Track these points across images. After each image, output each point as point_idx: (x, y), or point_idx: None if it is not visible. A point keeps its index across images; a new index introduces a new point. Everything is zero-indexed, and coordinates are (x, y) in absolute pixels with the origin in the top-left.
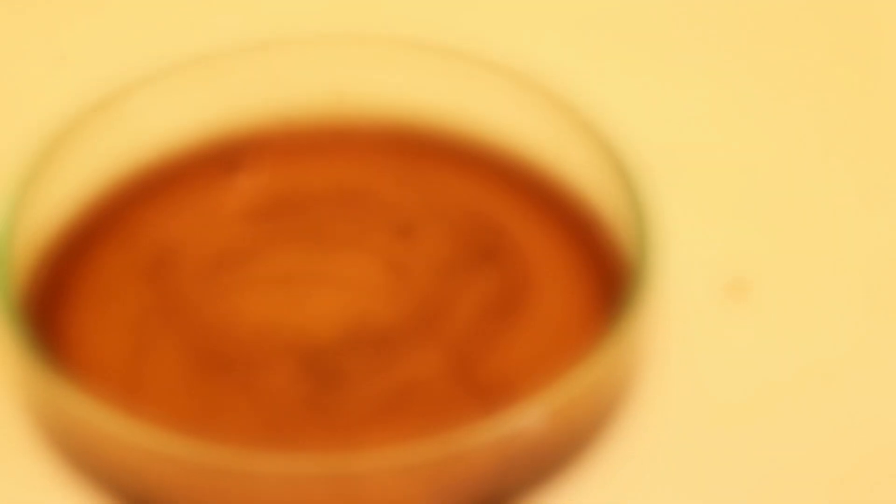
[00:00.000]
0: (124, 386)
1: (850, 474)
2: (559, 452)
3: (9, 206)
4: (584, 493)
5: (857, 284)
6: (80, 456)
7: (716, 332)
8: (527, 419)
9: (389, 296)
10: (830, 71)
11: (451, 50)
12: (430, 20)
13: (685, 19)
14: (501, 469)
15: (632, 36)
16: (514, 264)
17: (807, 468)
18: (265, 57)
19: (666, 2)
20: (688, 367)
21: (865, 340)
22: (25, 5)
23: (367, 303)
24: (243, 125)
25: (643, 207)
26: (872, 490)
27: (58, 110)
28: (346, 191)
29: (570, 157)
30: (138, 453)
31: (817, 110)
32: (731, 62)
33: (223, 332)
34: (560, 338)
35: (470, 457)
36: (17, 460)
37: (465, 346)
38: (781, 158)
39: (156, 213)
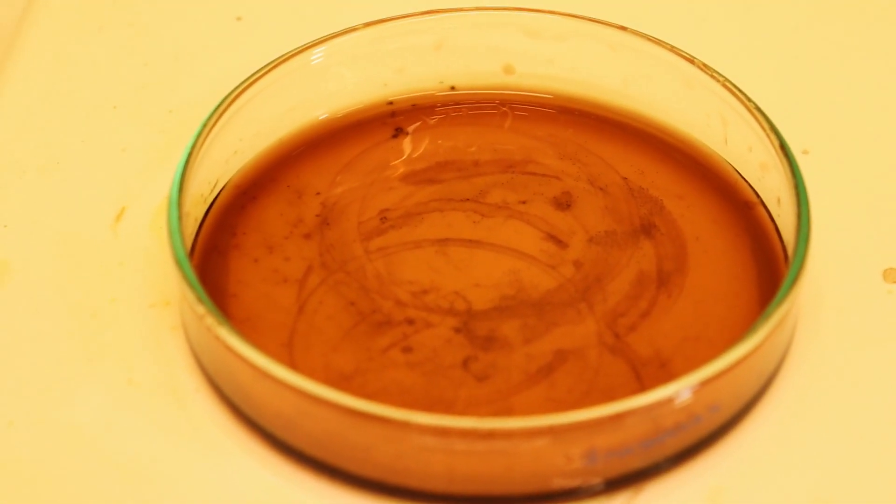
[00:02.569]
0: (284, 337)
1: None
2: (707, 428)
3: (183, 157)
4: (730, 469)
5: None
6: (240, 402)
7: (873, 316)
8: (679, 394)
9: (546, 265)
10: None
11: (616, 25)
12: None
13: (851, 13)
14: (650, 441)
15: (799, 30)
16: (671, 240)
17: None
18: (434, 25)
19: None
20: (843, 349)
21: None
22: None
23: (524, 270)
24: (410, 90)
25: (804, 192)
26: None
27: (234, 69)
28: (507, 160)
29: (733, 139)
30: (296, 404)
31: None
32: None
33: (383, 291)
34: (714, 315)
35: (620, 427)
36: (181, 403)
37: (618, 318)
38: None
39: (322, 171)
